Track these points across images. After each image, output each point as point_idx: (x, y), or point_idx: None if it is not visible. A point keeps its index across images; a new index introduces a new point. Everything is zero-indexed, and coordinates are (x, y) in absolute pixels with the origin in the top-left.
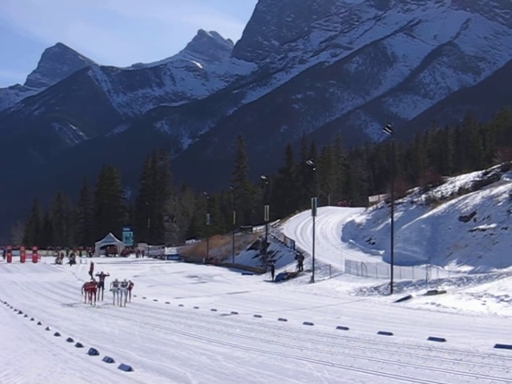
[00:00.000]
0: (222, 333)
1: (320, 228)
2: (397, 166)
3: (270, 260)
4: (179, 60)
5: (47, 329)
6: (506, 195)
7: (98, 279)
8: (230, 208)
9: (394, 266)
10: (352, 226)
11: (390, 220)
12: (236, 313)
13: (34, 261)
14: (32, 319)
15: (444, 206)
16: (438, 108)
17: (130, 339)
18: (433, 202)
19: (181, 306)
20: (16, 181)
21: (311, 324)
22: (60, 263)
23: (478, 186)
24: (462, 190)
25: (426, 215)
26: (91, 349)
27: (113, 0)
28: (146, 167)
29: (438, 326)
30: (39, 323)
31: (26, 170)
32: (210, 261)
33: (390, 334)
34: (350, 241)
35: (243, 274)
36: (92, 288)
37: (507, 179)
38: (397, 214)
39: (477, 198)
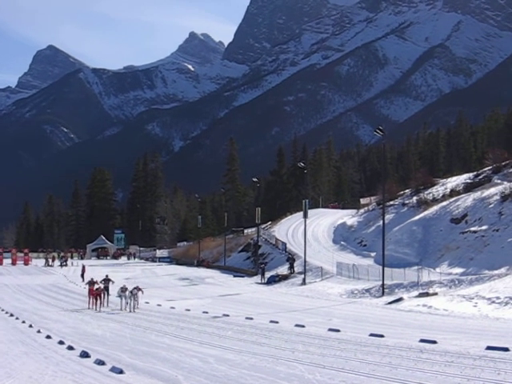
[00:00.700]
0: (213, 335)
1: (311, 230)
2: (388, 168)
3: (262, 262)
4: (170, 62)
5: (38, 331)
6: (497, 197)
7: (102, 284)
8: (222, 210)
9: (386, 268)
10: (343, 228)
11: (381, 222)
12: (227, 315)
13: (26, 263)
14: (23, 322)
15: (435, 207)
16: (430, 110)
17: (121, 342)
18: (424, 204)
19: (172, 308)
20: (7, 183)
21: (303, 326)
22: (51, 265)
23: (469, 187)
24: (454, 192)
25: (417, 217)
26: (82, 351)
27: (104, 2)
28: (138, 169)
29: (430, 328)
30: (30, 326)
31: (17, 172)
32: (201, 263)
33: (382, 336)
34: (342, 243)
35: (235, 276)
36: (97, 293)
37: (498, 181)
38: (388, 216)
39: (468, 199)
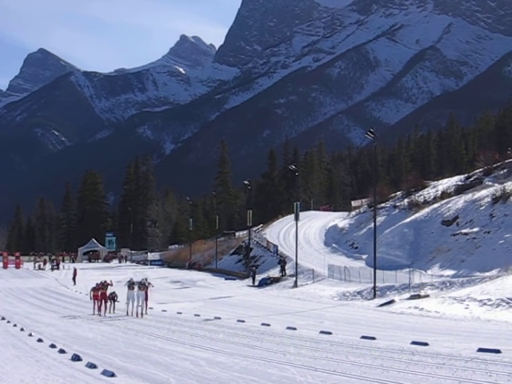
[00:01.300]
0: (205, 338)
1: (303, 233)
2: (379, 170)
3: (253, 265)
4: (162, 65)
5: (30, 335)
6: (488, 199)
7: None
8: (213, 213)
9: (377, 271)
10: (335, 230)
11: (372, 224)
12: (219, 318)
13: (17, 267)
14: (15, 325)
15: (427, 210)
16: (421, 112)
17: (113, 345)
18: (415, 207)
19: (164, 311)
20: None
21: (294, 329)
22: (43, 269)
23: (460, 190)
24: (445, 194)
25: (408, 219)
26: (74, 355)
27: (95, 6)
28: (129, 172)
29: (421, 330)
30: (22, 329)
31: (8, 175)
32: (193, 266)
33: (373, 338)
34: (333, 245)
35: (226, 278)
36: (102, 297)
37: (489, 183)
38: (379, 219)
39: (459, 202)
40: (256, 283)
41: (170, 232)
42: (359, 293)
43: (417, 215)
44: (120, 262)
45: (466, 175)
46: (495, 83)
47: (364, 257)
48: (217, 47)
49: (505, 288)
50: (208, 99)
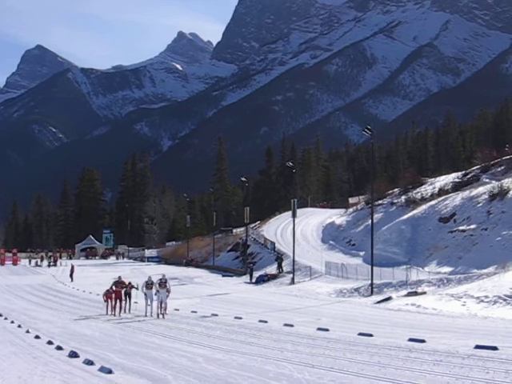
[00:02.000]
0: (202, 335)
1: (300, 230)
2: (377, 167)
3: (250, 262)
4: (159, 62)
5: (27, 331)
6: (485, 196)
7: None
8: (210, 210)
9: (374, 268)
10: (332, 227)
11: (370, 221)
12: (216, 315)
13: (14, 263)
14: (12, 322)
15: (424, 207)
16: (418, 109)
17: (110, 341)
18: (413, 204)
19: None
20: None
21: (291, 325)
22: (40, 265)
23: (457, 187)
24: (442, 191)
25: (405, 216)
26: (71, 351)
27: (92, 3)
28: (126, 169)
29: (418, 327)
30: (19, 326)
31: (6, 172)
32: (190, 263)
33: (371, 335)
34: (330, 242)
35: (223, 275)
36: (116, 296)
37: (487, 180)
38: (377, 216)
39: (456, 199)
40: (253, 280)
41: (167, 229)
42: (356, 290)
43: (414, 212)
44: (117, 258)
45: (464, 172)
46: (493, 80)
47: (361, 254)
48: (214, 44)
49: (502, 285)
50: (205, 96)
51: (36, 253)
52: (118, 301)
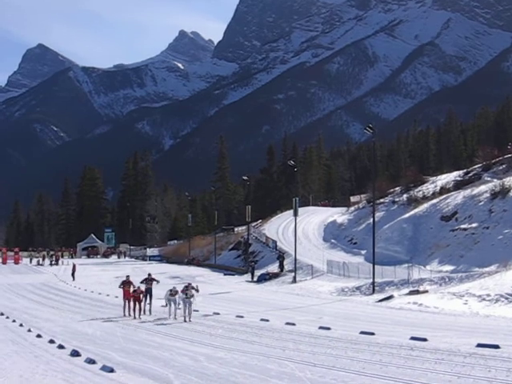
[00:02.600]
0: (204, 333)
1: (302, 228)
2: (378, 165)
3: (252, 260)
4: (160, 61)
5: (29, 330)
6: (487, 195)
7: (143, 287)
8: (212, 208)
9: (376, 266)
10: (334, 226)
11: (371, 220)
12: (218, 313)
13: (16, 262)
14: (14, 321)
15: (425, 205)
16: (420, 108)
17: (112, 340)
18: (414, 202)
19: (163, 306)
20: None
21: (293, 324)
22: (42, 264)
23: (459, 185)
24: (444, 190)
25: (407, 215)
26: (73, 350)
27: (94, 1)
28: (128, 168)
29: (420, 325)
30: (21, 325)
31: (7, 171)
32: (191, 261)
33: (372, 333)
34: (332, 241)
35: (225, 274)
36: (135, 296)
37: (488, 179)
38: (378, 214)
39: (458, 197)
40: (255, 279)
41: (168, 227)
42: (358, 288)
43: (416, 211)
44: (119, 257)
45: (465, 171)
46: (494, 79)
47: (363, 252)
48: (215, 43)
49: (504, 283)
50: (207, 95)
51: (38, 252)
52: (136, 302)
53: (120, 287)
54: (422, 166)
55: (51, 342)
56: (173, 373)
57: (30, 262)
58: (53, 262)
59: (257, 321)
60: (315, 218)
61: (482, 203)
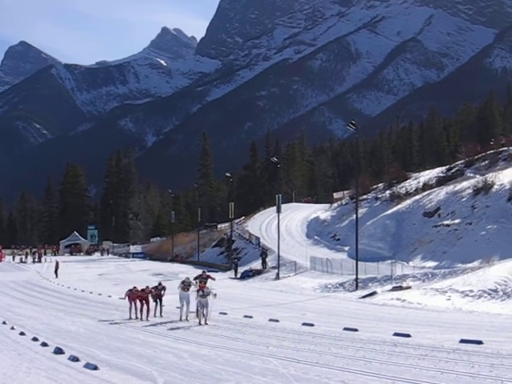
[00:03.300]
0: (187, 330)
1: (285, 225)
2: (361, 162)
3: (235, 257)
4: (143, 57)
5: (12, 328)
6: (469, 191)
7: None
8: (195, 205)
9: (359, 262)
10: (317, 222)
11: (354, 216)
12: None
13: None
14: None
15: (408, 201)
16: (402, 104)
17: (95, 338)
18: (397, 198)
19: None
20: None
21: (277, 321)
22: (25, 262)
23: (442, 181)
24: (426, 186)
25: (390, 211)
26: (56, 348)
27: None
28: (111, 165)
29: (403, 321)
30: (4, 323)
31: None
32: (175, 258)
33: (356, 330)
34: (315, 237)
35: (208, 271)
36: (142, 296)
37: (471, 175)
38: (361, 210)
39: (441, 193)
40: (238, 275)
41: (152, 225)
42: (341, 284)
43: (399, 207)
44: (102, 254)
45: (448, 167)
46: (476, 75)
47: (346, 248)
48: (198, 39)
49: (486, 279)
50: (189, 91)
51: (20, 249)
52: (144, 302)
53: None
54: (404, 162)
55: (34, 339)
56: (157, 370)
57: (13, 259)
58: (35, 260)
59: (240, 317)
60: (298, 215)
61: (464, 199)
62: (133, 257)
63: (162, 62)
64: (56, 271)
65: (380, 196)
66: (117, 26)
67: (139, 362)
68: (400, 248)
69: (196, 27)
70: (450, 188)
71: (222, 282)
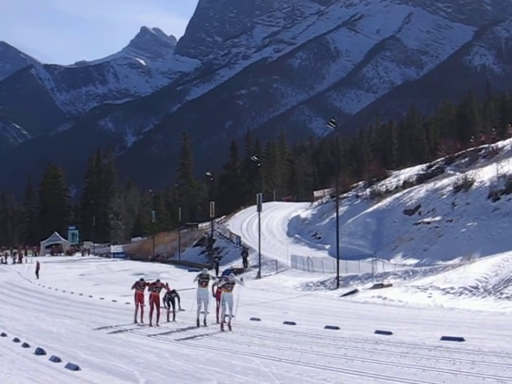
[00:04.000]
0: (169, 330)
1: (266, 223)
2: (341, 160)
3: (216, 256)
4: (122, 57)
5: None
6: (450, 188)
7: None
8: (176, 205)
9: (340, 260)
10: (297, 220)
11: (335, 214)
12: (183, 310)
13: None
14: None
15: (389, 199)
16: (382, 102)
17: (76, 338)
18: (377, 196)
19: (127, 303)
20: None
21: (258, 319)
22: (5, 263)
23: (422, 179)
24: (407, 184)
25: (370, 209)
26: (38, 348)
27: None
28: (91, 165)
29: (385, 319)
30: None
31: None
32: (156, 258)
33: (337, 328)
34: (296, 236)
35: (190, 270)
36: (152, 300)
37: (451, 172)
38: (342, 209)
39: (421, 191)
40: (219, 274)
41: (132, 224)
42: (322, 283)
43: (379, 205)
44: (83, 255)
45: (428, 164)
46: (456, 72)
47: (327, 247)
48: (177, 39)
49: (467, 276)
50: (169, 91)
51: (1, 250)
52: (154, 305)
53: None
54: (385, 160)
55: (16, 340)
56: (138, 370)
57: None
58: (16, 261)
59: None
60: (279, 213)
61: (445, 196)
62: (114, 257)
63: (142, 61)
64: (37, 272)
65: (360, 194)
66: (96, 25)
67: (121, 362)
68: (381, 246)
69: (175, 26)
70: (430, 185)
71: None
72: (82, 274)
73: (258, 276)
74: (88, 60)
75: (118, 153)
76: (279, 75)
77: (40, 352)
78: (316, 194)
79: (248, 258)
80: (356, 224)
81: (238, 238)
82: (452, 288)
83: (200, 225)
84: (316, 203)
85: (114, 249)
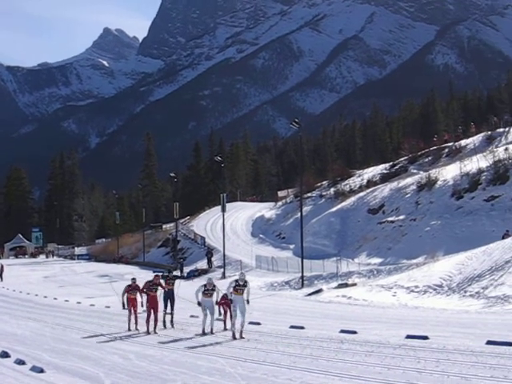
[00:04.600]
0: (133, 331)
1: (230, 224)
2: (305, 160)
3: (181, 257)
4: (85, 58)
5: None
6: (413, 187)
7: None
8: (140, 206)
9: (305, 260)
10: (262, 221)
11: (299, 214)
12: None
13: None
14: None
15: (352, 198)
16: (345, 102)
17: (41, 340)
18: (341, 196)
19: (92, 305)
20: None
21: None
22: None
23: (385, 178)
24: (370, 183)
25: (334, 208)
26: (2, 351)
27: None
28: (54, 167)
29: (350, 318)
30: None
31: None
32: (120, 259)
33: (302, 327)
34: (260, 236)
35: (154, 271)
36: (150, 303)
37: (414, 171)
38: (306, 208)
39: (385, 190)
40: (184, 275)
41: (96, 226)
42: (287, 283)
43: (343, 204)
44: (47, 257)
45: (391, 163)
46: (418, 71)
47: (291, 247)
48: (140, 40)
49: (432, 275)
50: (132, 92)
51: None
52: (152, 310)
53: (124, 295)
54: (348, 159)
55: None
56: (103, 372)
57: None
58: None
59: (187, 317)
60: (243, 214)
61: (408, 195)
62: (78, 258)
63: (105, 62)
64: (1, 274)
65: (324, 194)
66: (58, 26)
67: (85, 364)
68: (345, 245)
69: (138, 27)
70: (393, 184)
71: None
72: (47, 277)
73: (223, 276)
74: (50, 61)
75: (81, 154)
76: (242, 75)
77: (4, 355)
78: (280, 193)
79: (213, 259)
80: (320, 224)
81: (203, 238)
82: (416, 286)
83: (164, 226)
84: (280, 203)
85: (78, 251)
